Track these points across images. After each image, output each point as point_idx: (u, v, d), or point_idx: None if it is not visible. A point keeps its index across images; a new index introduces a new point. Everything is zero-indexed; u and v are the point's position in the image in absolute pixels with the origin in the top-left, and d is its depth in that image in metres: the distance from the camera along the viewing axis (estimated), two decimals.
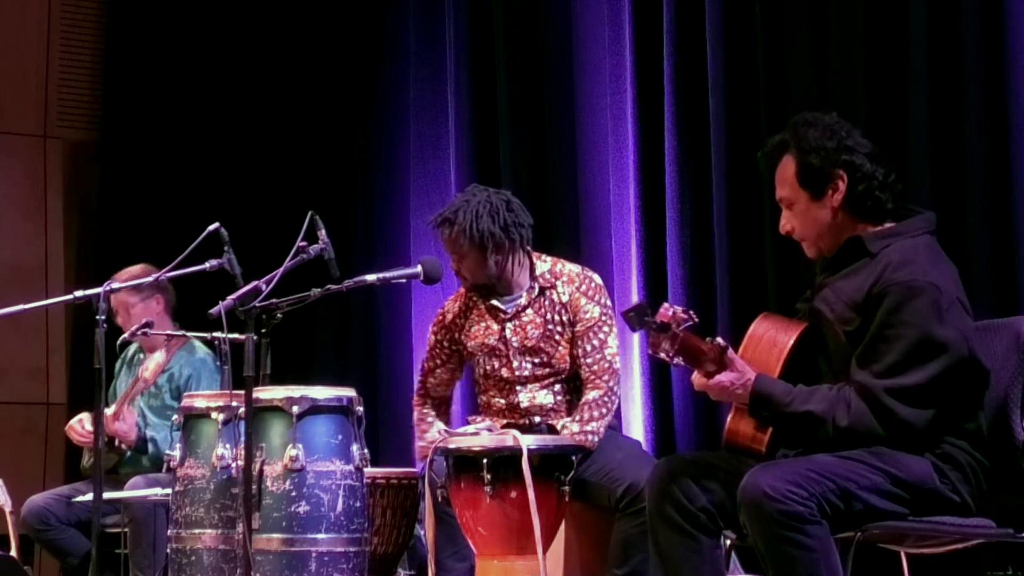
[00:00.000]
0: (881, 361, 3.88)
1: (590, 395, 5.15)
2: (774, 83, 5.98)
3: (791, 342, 4.04)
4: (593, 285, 5.27)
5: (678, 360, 3.91)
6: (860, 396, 3.87)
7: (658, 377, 6.37)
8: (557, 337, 5.22)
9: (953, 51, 5.47)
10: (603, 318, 5.21)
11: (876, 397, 3.86)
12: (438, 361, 5.42)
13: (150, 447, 6.15)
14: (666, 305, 3.89)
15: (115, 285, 5.32)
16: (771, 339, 4.07)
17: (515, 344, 5.24)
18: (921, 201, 4.88)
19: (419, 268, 5.15)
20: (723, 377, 3.95)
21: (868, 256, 4.01)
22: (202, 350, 6.31)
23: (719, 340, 3.94)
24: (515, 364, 5.24)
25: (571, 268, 5.32)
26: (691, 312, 3.88)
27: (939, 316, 3.86)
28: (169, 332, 6.19)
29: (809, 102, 5.62)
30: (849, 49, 5.76)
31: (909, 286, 3.88)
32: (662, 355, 3.89)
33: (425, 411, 5.43)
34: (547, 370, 5.23)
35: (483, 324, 5.30)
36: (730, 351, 3.95)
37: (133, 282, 5.82)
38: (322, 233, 4.91)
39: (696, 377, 4.01)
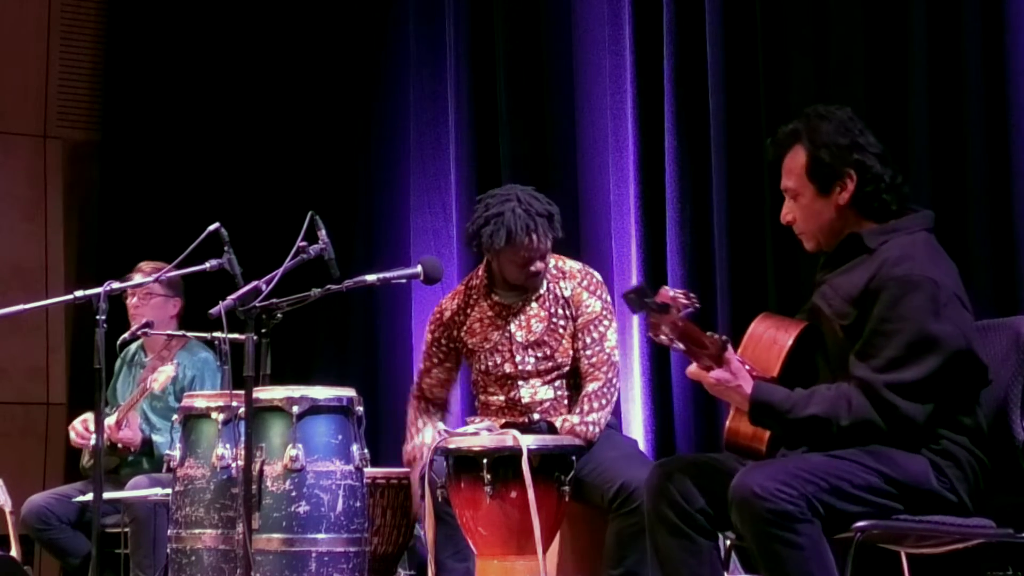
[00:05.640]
0: (880, 356, 3.87)
1: (590, 387, 5.17)
2: (774, 83, 5.97)
3: (791, 341, 4.04)
4: (594, 280, 5.30)
5: (677, 345, 3.91)
6: (860, 391, 3.86)
7: (658, 377, 6.37)
8: (561, 331, 5.23)
9: (953, 51, 5.47)
10: (604, 312, 5.24)
11: (877, 392, 3.85)
12: (435, 360, 5.40)
13: (155, 451, 6.15)
14: (666, 287, 3.89)
15: (137, 279, 5.33)
16: (771, 338, 4.07)
17: (519, 339, 5.24)
18: (921, 201, 4.87)
19: (419, 268, 5.14)
20: (715, 373, 3.94)
21: (866, 252, 4.00)
22: (203, 350, 6.31)
23: (722, 336, 3.94)
24: (518, 359, 5.24)
25: (572, 264, 5.34)
26: (692, 297, 3.87)
27: (936, 311, 3.85)
28: (169, 332, 6.19)
29: (809, 102, 5.59)
30: (849, 49, 5.76)
31: (906, 280, 3.87)
32: (662, 338, 3.88)
33: (417, 415, 5.38)
34: (549, 364, 5.23)
35: (485, 320, 5.30)
36: (729, 350, 3.94)
37: (134, 281, 5.83)
38: (322, 233, 4.91)
39: (692, 367, 4.00)
